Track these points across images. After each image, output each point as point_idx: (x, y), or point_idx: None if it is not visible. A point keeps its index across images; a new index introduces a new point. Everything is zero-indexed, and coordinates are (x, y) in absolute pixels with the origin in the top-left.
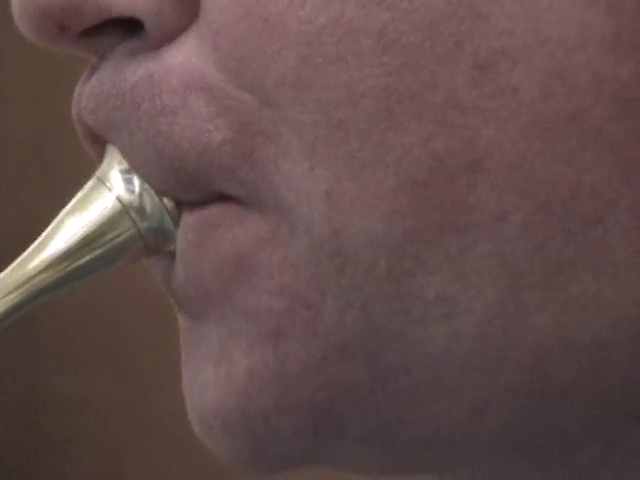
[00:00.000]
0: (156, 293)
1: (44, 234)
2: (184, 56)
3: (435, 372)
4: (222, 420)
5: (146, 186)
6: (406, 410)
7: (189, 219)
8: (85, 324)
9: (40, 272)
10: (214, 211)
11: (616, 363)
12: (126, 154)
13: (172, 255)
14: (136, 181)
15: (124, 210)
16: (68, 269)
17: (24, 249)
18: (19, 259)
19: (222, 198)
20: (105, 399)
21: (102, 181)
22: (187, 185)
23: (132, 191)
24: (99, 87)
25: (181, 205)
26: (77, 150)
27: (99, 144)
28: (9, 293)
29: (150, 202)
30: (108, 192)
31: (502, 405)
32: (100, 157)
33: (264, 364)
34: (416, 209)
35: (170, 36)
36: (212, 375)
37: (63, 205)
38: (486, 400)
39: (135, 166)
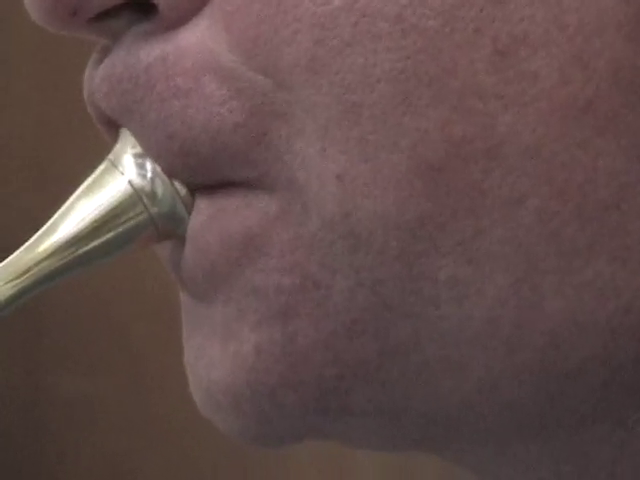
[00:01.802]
0: (160, 294)
1: (54, 217)
2: (198, 38)
3: (445, 349)
4: (231, 396)
5: (158, 170)
6: (414, 386)
7: (201, 204)
8: (87, 324)
9: (50, 255)
10: (224, 195)
11: (627, 346)
12: (138, 136)
13: (183, 239)
14: (149, 165)
15: (136, 194)
16: (78, 253)
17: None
18: (28, 242)
19: (233, 184)
20: (107, 400)
21: (114, 164)
22: (198, 169)
23: (144, 175)
24: (112, 69)
25: (194, 191)
26: (77, 151)
27: (112, 127)
28: (19, 276)
29: (162, 187)
30: (120, 176)
31: (511, 385)
32: (113, 141)
33: (272, 341)
34: (431, 193)
35: (184, 18)
36: (219, 352)
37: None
38: (496, 379)
39: (147, 148)
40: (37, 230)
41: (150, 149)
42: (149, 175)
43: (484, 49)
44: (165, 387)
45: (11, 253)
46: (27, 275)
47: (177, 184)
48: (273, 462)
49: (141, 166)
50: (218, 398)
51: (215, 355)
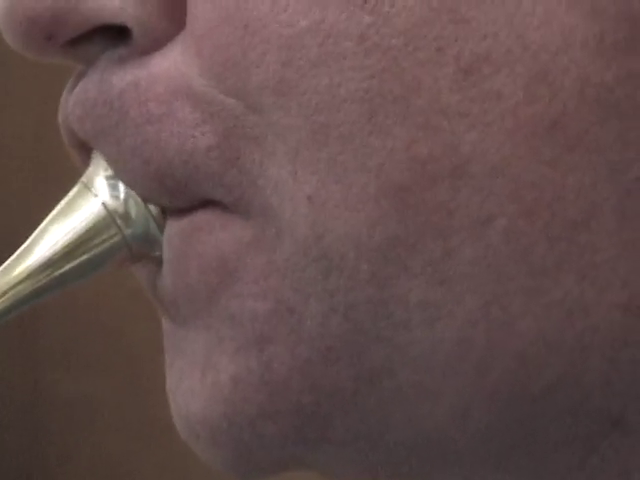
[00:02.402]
0: None
1: (28, 240)
2: (170, 63)
3: (418, 375)
4: (208, 428)
5: (131, 192)
6: (390, 413)
7: (174, 225)
8: (86, 325)
9: (25, 279)
10: (198, 216)
11: (597, 367)
12: (112, 161)
13: (157, 261)
14: (121, 187)
15: (109, 216)
16: (53, 276)
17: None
18: (3, 266)
19: (207, 204)
20: (106, 401)
21: (87, 187)
22: (173, 191)
23: (117, 197)
24: (85, 94)
25: (166, 211)
26: None
27: (85, 150)
28: None
29: (135, 208)
30: (93, 198)
31: (484, 409)
32: (85, 163)
33: (249, 370)
34: (399, 213)
35: (157, 44)
36: (198, 382)
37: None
38: (469, 404)
39: (121, 173)
40: (35, 229)
41: (125, 174)
42: (122, 196)
43: (447, 67)
44: (163, 387)
45: (11, 253)
46: (3, 299)
47: (150, 205)
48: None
49: (114, 188)
50: (196, 429)
51: (195, 385)
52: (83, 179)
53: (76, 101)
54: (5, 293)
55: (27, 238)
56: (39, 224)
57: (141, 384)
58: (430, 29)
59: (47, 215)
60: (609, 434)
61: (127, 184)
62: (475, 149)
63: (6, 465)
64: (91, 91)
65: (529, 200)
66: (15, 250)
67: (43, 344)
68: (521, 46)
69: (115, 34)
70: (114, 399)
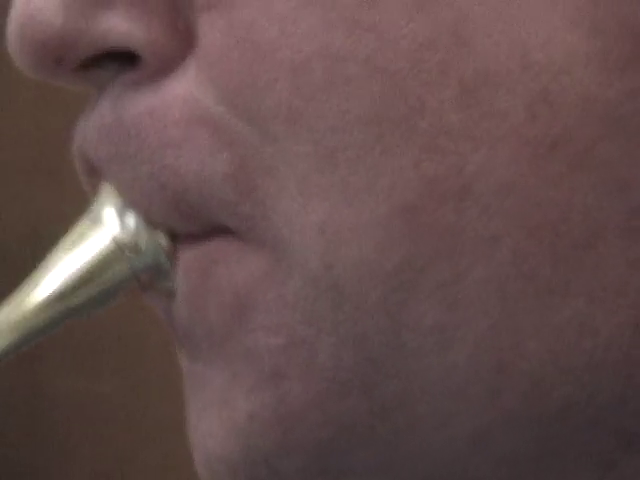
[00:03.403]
0: None
1: (38, 271)
2: (184, 88)
3: (433, 403)
4: (226, 465)
5: (141, 223)
6: (407, 444)
7: (186, 255)
8: (88, 324)
9: (36, 313)
10: (213, 246)
11: (610, 385)
12: (127, 187)
13: (167, 291)
14: (131, 218)
15: (119, 249)
16: (62, 310)
17: (28, 250)
18: (13, 297)
19: (221, 230)
20: (108, 400)
21: (97, 217)
22: (188, 217)
23: (127, 228)
24: (100, 120)
25: (177, 241)
26: None
27: (95, 178)
28: (4, 334)
29: (145, 240)
30: (102, 229)
31: (500, 432)
32: (94, 190)
33: (264, 405)
34: (408, 236)
35: (168, 67)
36: (216, 421)
37: (67, 206)
38: (484, 428)
39: (134, 199)
40: (41, 231)
41: (140, 199)
42: (132, 228)
43: (451, 89)
44: (165, 387)
45: (16, 253)
46: (14, 333)
47: (160, 235)
48: None
49: (123, 219)
50: (216, 469)
51: (212, 423)
52: (92, 210)
53: (92, 127)
54: (15, 328)
55: (31, 239)
56: (43, 225)
57: (142, 383)
58: (434, 52)
59: (50, 216)
60: (627, 451)
61: (140, 210)
62: (480, 169)
63: (6, 464)
64: (106, 117)
65: (535, 220)
66: (20, 252)
67: (43, 344)
68: (522, 66)
69: (126, 58)
70: (114, 398)
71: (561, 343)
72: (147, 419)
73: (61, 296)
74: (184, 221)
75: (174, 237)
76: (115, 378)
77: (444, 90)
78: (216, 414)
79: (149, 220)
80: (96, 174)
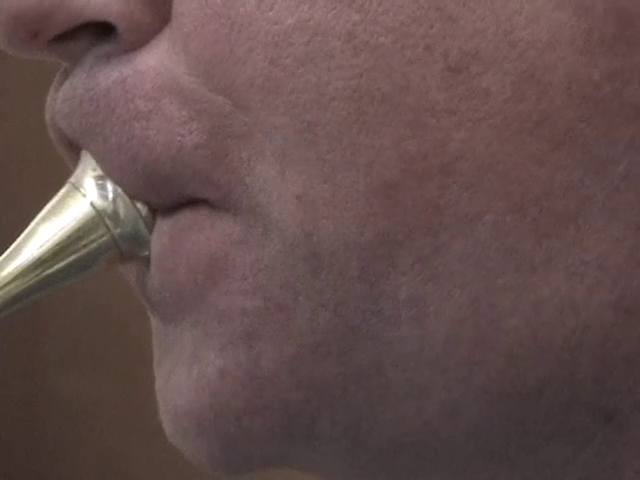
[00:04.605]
0: None
1: (17, 241)
2: (157, 60)
3: (407, 372)
4: (195, 420)
5: (120, 192)
6: (378, 410)
7: (163, 225)
8: (88, 324)
9: (14, 279)
10: (187, 215)
11: (587, 364)
12: (100, 159)
13: (147, 260)
14: (110, 187)
15: (98, 216)
16: (42, 276)
17: None
18: None
19: (195, 202)
20: (107, 400)
21: (76, 187)
22: (160, 189)
23: (106, 197)
24: (72, 92)
25: (155, 211)
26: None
27: (73, 150)
28: None
29: (124, 208)
30: (82, 198)
31: (474, 406)
32: (74, 162)
33: (237, 364)
34: (388, 211)
35: (143, 40)
36: (185, 377)
37: None
38: (458, 401)
39: (108, 171)
40: None
41: (112, 171)
42: (111, 196)
43: (435, 66)
44: None
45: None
46: None
47: (139, 205)
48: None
49: (102, 187)
50: (183, 423)
51: (181, 379)
52: (72, 179)
53: (63, 99)
54: None
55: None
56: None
57: (141, 383)
58: (418, 27)
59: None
60: (602, 429)
61: (115, 182)
62: (463, 146)
63: (6, 464)
64: (78, 89)
65: (517, 196)
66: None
67: (44, 344)
68: (509, 44)
69: (101, 31)
70: (114, 399)
71: (540, 320)
72: (146, 420)
73: (40, 262)
74: (157, 194)
75: (152, 208)
76: (115, 378)
77: (429, 67)
78: (186, 370)
79: (126, 192)
80: (72, 146)
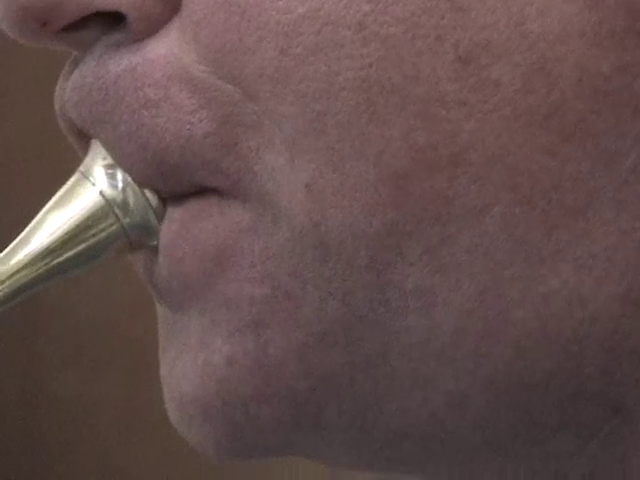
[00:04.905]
0: None
1: (27, 229)
2: (167, 48)
3: (414, 362)
4: (201, 407)
5: (129, 181)
6: (384, 400)
7: (172, 213)
8: (87, 324)
9: (23, 267)
10: (195, 203)
11: (595, 356)
12: (109, 147)
13: (156, 250)
14: (119, 176)
15: (107, 205)
16: (51, 264)
17: None
18: (1, 254)
19: (204, 191)
20: (107, 400)
21: (85, 176)
22: (170, 177)
23: (115, 186)
24: (82, 80)
25: (165, 200)
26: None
27: (83, 138)
28: None
29: (133, 197)
30: (91, 187)
31: (480, 398)
32: (84, 151)
33: (245, 352)
34: (397, 201)
35: (153, 28)
36: (191, 363)
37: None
38: (465, 392)
39: (118, 159)
40: None
41: (122, 159)
42: (120, 185)
43: (446, 56)
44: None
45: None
46: (1, 287)
47: (148, 194)
48: (273, 460)
49: (112, 177)
50: (189, 410)
51: (187, 366)
52: (81, 168)
53: (72, 87)
54: (3, 282)
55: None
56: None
57: (141, 384)
58: (429, 18)
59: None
60: (609, 421)
61: (125, 170)
62: (473, 137)
63: (6, 465)
64: (87, 77)
65: (526, 188)
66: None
67: (44, 344)
68: (520, 35)
69: (111, 20)
70: (114, 399)
71: (549, 312)
72: (146, 420)
73: (49, 251)
74: (167, 182)
75: (162, 197)
76: (115, 378)
77: (439, 57)
78: (192, 357)
79: (135, 180)
80: (82, 134)
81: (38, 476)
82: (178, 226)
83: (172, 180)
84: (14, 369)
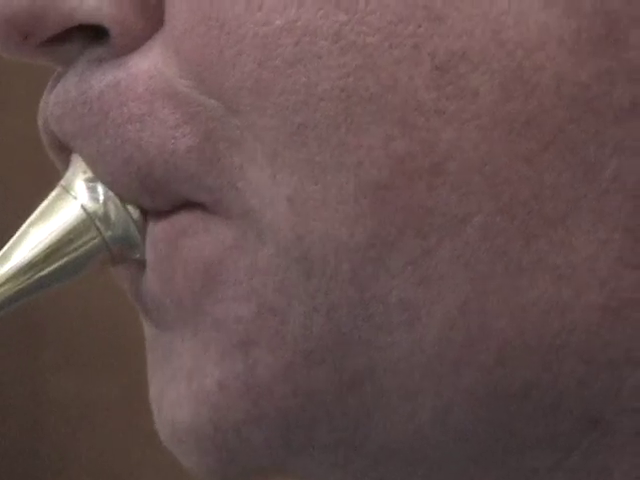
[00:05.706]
0: None
1: (8, 243)
2: (150, 63)
3: (399, 377)
4: (194, 435)
5: (110, 194)
6: (372, 417)
7: (155, 228)
8: (87, 325)
9: (5, 282)
10: (180, 219)
11: (572, 367)
12: (92, 162)
13: (138, 263)
14: (101, 189)
15: (89, 219)
16: (33, 278)
17: None
18: None
19: (188, 205)
20: (107, 401)
21: (67, 190)
22: (154, 192)
23: (97, 199)
24: (65, 95)
25: (147, 214)
26: None
27: (64, 152)
28: None
29: (115, 210)
30: (73, 200)
31: (463, 409)
32: (65, 166)
33: (235, 375)
34: (378, 212)
35: (135, 43)
36: (184, 390)
37: None
38: (448, 404)
39: (101, 174)
40: None
41: (105, 174)
42: (102, 199)
43: (423, 65)
44: None
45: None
46: None
47: (130, 207)
48: None
49: (93, 190)
50: (181, 438)
51: (181, 392)
52: (62, 182)
53: (55, 102)
54: None
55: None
56: None
57: (141, 385)
58: (405, 26)
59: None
60: (589, 434)
61: (107, 185)
62: (452, 147)
63: (6, 465)
64: (70, 92)
65: (506, 197)
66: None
67: (44, 344)
68: (497, 43)
69: (93, 34)
70: (114, 400)
71: (528, 323)
72: (146, 420)
73: (31, 265)
74: (151, 197)
75: (144, 211)
76: (115, 380)
77: (417, 66)
78: (185, 384)
79: (118, 195)
80: (63, 149)
81: (38, 475)
82: (166, 243)
83: (156, 195)
84: (14, 371)
